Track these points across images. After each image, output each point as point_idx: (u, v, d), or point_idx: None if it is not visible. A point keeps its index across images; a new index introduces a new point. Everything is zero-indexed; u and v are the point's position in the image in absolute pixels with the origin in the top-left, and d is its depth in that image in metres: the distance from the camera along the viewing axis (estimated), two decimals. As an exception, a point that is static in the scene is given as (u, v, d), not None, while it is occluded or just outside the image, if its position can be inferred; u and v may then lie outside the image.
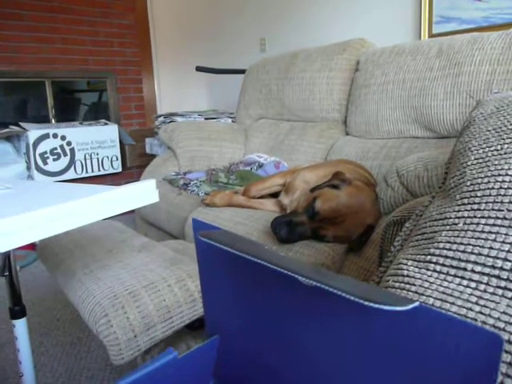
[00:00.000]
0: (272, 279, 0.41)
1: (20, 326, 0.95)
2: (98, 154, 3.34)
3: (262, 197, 1.58)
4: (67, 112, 4.09)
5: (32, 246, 2.72)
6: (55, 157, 3.13)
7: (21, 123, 3.09)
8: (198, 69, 2.87)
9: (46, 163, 3.06)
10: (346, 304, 0.31)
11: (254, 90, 2.57)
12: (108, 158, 3.40)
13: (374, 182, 1.47)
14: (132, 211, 2.43)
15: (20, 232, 0.58)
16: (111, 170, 3.45)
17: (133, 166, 3.64)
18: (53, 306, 2.02)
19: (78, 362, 1.57)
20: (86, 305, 0.88)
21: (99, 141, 3.32)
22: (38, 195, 0.83)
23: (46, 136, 3.05)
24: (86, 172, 3.31)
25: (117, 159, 3.45)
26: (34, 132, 2.99)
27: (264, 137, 2.42)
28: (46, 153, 3.06)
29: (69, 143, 3.17)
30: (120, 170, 3.50)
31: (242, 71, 2.80)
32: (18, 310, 0.94)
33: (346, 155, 1.87)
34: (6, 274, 0.92)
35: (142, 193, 0.73)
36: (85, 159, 3.28)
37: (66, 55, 3.78)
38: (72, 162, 3.21)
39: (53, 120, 3.80)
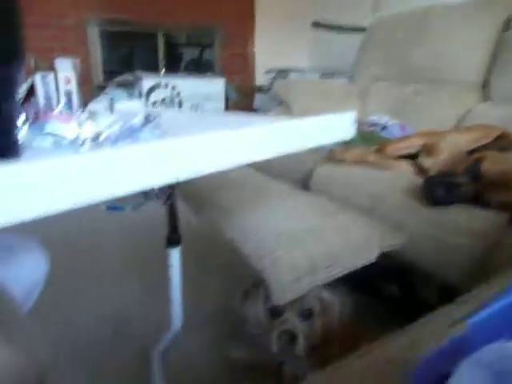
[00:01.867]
0: None
1: (175, 254, 0.96)
2: (203, 107, 3.39)
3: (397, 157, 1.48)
4: (172, 65, 4.18)
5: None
6: (164, 106, 3.21)
7: (136, 72, 3.20)
8: (315, 24, 2.76)
9: (156, 112, 3.16)
10: None
11: (375, 49, 2.42)
12: (212, 111, 3.44)
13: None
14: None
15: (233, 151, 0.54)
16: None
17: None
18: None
19: (193, 302, 1.62)
20: (247, 242, 0.87)
21: (206, 93, 3.36)
22: (207, 122, 0.81)
23: (158, 85, 3.13)
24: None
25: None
26: (147, 81, 3.09)
27: (383, 99, 2.29)
28: (156, 102, 3.15)
29: (178, 94, 3.24)
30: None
31: (362, 29, 2.65)
32: (174, 238, 0.96)
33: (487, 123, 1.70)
34: (169, 202, 0.93)
35: (337, 126, 0.68)
36: (190, 111, 3.34)
37: (179, 8, 3.82)
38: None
39: (162, 71, 3.90)
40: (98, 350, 1.35)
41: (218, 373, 1.24)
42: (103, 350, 1.35)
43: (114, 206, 2.61)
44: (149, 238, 2.22)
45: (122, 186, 0.42)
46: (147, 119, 0.67)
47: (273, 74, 2.73)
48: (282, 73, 2.62)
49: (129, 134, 0.63)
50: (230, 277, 1.83)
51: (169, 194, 0.91)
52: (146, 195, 2.81)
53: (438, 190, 1.05)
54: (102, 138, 0.60)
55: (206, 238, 2.24)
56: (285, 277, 0.80)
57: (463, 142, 1.30)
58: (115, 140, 0.61)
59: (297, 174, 1.78)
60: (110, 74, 3.55)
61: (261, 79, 2.91)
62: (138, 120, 0.66)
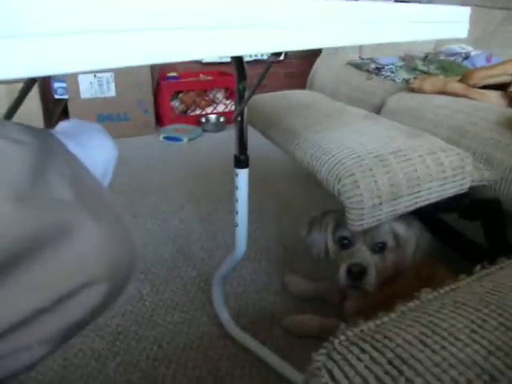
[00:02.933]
0: None
1: (242, 176, 0.92)
2: (263, 38, 3.22)
3: (483, 87, 1.33)
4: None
5: (198, 123, 2.81)
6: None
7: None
8: None
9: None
10: None
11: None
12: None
13: None
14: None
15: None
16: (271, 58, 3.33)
17: (293, 56, 3.48)
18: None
19: (252, 232, 1.59)
20: (322, 163, 0.80)
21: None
22: None
23: None
24: (250, 56, 3.24)
25: (280, 46, 3.30)
26: None
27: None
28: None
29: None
30: (282, 57, 3.37)
31: None
32: (243, 159, 0.90)
33: None
34: (239, 119, 0.87)
35: (449, 20, 0.57)
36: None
37: None
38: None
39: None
40: (161, 268, 1.37)
41: (278, 301, 1.23)
42: (165, 269, 1.37)
43: (172, 136, 2.61)
44: (209, 165, 2.21)
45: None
46: None
47: None
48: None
49: None
50: (295, 207, 1.79)
51: (240, 110, 0.84)
52: (204, 127, 2.78)
53: None
54: None
55: (272, 165, 2.21)
56: (365, 201, 0.73)
57: None
58: None
59: (367, 104, 1.66)
60: None
61: None
62: None
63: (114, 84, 2.56)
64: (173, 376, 1.00)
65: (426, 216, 1.01)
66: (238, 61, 0.79)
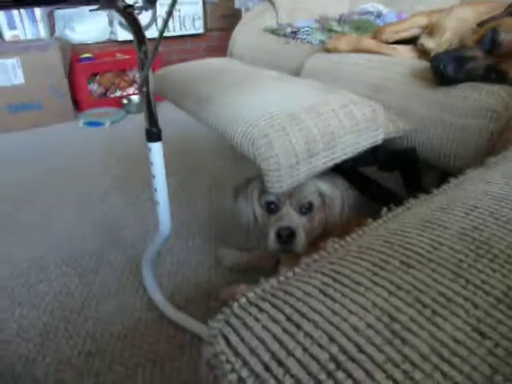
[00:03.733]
0: None
1: (155, 149, 0.86)
2: (179, 11, 3.10)
3: (395, 42, 1.34)
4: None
5: (120, 105, 2.68)
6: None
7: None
8: None
9: (128, 17, 2.88)
10: None
11: None
12: (189, 16, 3.16)
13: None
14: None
15: None
16: (192, 31, 3.23)
17: (213, 28, 3.39)
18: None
19: (183, 210, 1.55)
20: (235, 127, 0.77)
21: (181, -4, 3.06)
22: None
23: (127, -14, 2.83)
24: (168, 31, 3.11)
25: (199, 18, 3.20)
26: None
27: (377, -14, 2.07)
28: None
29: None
30: (202, 31, 3.26)
31: None
32: (154, 131, 0.85)
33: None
34: (144, 89, 0.81)
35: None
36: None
37: None
38: (154, 17, 3.00)
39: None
40: (89, 259, 1.30)
41: (213, 276, 1.20)
42: (95, 259, 1.29)
43: (92, 121, 2.47)
44: (133, 147, 2.12)
45: None
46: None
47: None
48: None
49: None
50: (224, 180, 1.76)
51: (144, 78, 0.78)
52: (126, 108, 2.65)
53: (448, 65, 0.93)
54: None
55: (197, 141, 2.15)
56: (281, 162, 0.71)
57: (473, 16, 1.16)
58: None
59: (286, 69, 1.64)
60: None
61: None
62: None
63: (21, 70, 2.35)
64: (108, 367, 0.95)
65: (348, 172, 1.01)
66: (131, 20, 0.73)
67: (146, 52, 0.76)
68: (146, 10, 0.77)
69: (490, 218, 0.35)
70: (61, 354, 0.99)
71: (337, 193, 0.94)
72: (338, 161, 0.77)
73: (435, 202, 0.40)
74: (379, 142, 0.80)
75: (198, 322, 1.01)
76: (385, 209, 0.42)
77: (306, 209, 0.93)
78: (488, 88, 0.97)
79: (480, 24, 1.03)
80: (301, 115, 0.73)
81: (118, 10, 0.74)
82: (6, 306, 1.13)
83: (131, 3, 0.72)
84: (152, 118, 0.84)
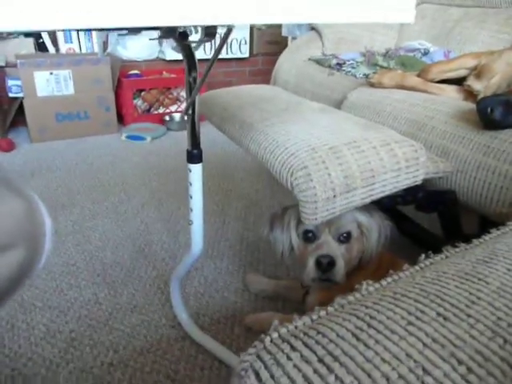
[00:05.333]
0: None
1: (195, 171, 0.88)
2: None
3: (441, 82, 1.34)
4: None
5: (162, 121, 2.76)
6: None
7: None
8: None
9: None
10: None
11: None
12: (237, 40, 3.25)
13: None
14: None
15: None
16: (238, 55, 3.31)
17: (259, 53, 3.46)
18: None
19: (215, 231, 1.57)
20: (276, 156, 0.78)
21: (230, 21, 3.15)
22: None
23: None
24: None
25: (245, 43, 3.28)
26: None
27: (426, 23, 2.08)
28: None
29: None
30: (247, 55, 3.34)
31: None
32: (195, 153, 0.87)
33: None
34: (190, 112, 0.84)
35: (396, 6, 0.55)
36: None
37: None
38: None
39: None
40: (120, 270, 1.32)
41: (240, 300, 1.20)
42: (125, 271, 1.32)
43: (134, 135, 2.55)
44: (172, 164, 2.17)
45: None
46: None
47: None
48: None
49: None
50: (258, 204, 1.77)
51: (190, 102, 0.81)
52: (168, 125, 2.72)
53: (495, 109, 0.92)
54: None
55: (235, 162, 2.18)
56: (319, 194, 0.71)
57: (521, 61, 1.14)
58: None
59: (329, 99, 1.65)
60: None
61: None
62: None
63: (72, 81, 2.47)
64: (128, 381, 0.96)
65: (384, 208, 1.00)
66: (186, 50, 0.76)
67: (195, 78, 0.79)
68: (204, 43, 0.81)
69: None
70: (84, 362, 1.00)
71: (374, 224, 0.93)
72: (375, 198, 0.77)
73: (476, 254, 0.40)
74: (419, 182, 0.79)
75: (221, 346, 1.01)
76: (423, 256, 0.42)
77: (345, 238, 0.93)
78: (536, 135, 0.95)
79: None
80: (342, 149, 0.74)
81: (177, 41, 0.78)
82: (39, 308, 1.16)
83: (188, 34, 0.75)
84: (194, 141, 0.86)
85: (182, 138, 2.59)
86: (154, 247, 1.45)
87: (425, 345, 0.28)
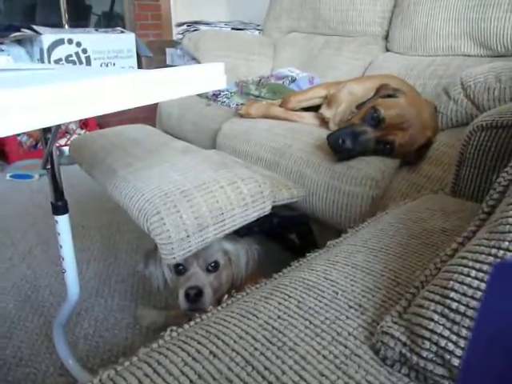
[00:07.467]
0: None
1: (62, 222, 0.91)
2: (114, 65, 3.18)
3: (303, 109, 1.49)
4: (78, 19, 3.87)
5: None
6: (70, 65, 2.98)
7: (34, 26, 2.92)
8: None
9: (61, 70, 2.93)
10: None
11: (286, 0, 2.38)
12: (125, 69, 3.25)
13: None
14: (153, 122, 2.35)
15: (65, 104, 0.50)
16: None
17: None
18: (87, 209, 2.00)
19: (106, 267, 1.58)
20: (134, 202, 0.84)
21: (116, 50, 3.15)
22: (85, 73, 0.75)
23: (61, 41, 2.89)
24: (102, 83, 3.17)
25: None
26: (48, 36, 2.83)
27: (295, 51, 2.27)
28: (60, 59, 2.91)
29: (84, 50, 3.01)
30: (137, 82, 3.35)
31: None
32: (60, 205, 0.90)
33: (386, 73, 1.75)
34: (48, 167, 0.87)
35: (209, 76, 0.65)
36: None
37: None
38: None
39: (66, 26, 3.59)
40: (3, 322, 1.28)
41: (131, 335, 1.23)
42: (8, 323, 1.28)
43: (20, 174, 2.45)
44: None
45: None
46: None
47: (184, 27, 2.61)
48: (193, 26, 2.51)
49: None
50: (148, 236, 1.80)
51: (46, 157, 0.84)
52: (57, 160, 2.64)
53: (345, 140, 1.05)
54: None
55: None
56: (172, 236, 0.78)
57: (361, 90, 1.32)
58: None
59: (208, 129, 1.75)
60: (7, 29, 3.21)
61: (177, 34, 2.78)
62: None
63: None
64: None
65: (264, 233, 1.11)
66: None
67: (50, 129, 0.82)
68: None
69: (295, 307, 0.44)
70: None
71: (241, 250, 1.03)
72: (228, 231, 0.86)
73: (265, 290, 0.49)
74: (267, 212, 0.90)
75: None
76: (226, 296, 0.50)
77: (213, 267, 1.00)
78: (370, 160, 1.11)
79: (358, 106, 1.18)
80: (192, 192, 0.82)
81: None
82: None
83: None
84: (57, 193, 0.89)
85: (73, 171, 2.53)
86: (41, 293, 1.43)
87: (191, 381, 0.36)
